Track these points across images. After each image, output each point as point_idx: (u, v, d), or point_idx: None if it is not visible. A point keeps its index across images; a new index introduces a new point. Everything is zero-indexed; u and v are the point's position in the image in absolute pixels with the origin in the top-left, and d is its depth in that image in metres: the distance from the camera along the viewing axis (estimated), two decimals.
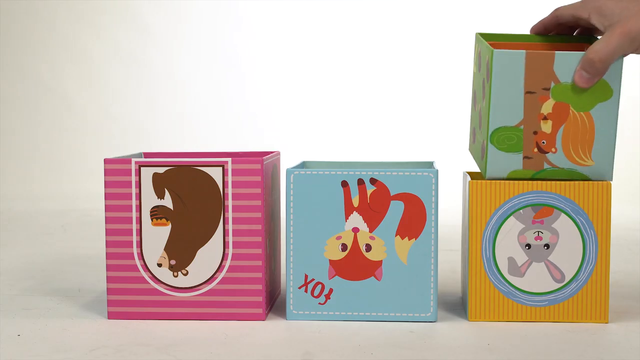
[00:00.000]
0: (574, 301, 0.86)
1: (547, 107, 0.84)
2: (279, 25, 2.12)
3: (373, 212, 0.85)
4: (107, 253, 0.87)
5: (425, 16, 2.06)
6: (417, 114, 2.03)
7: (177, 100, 2.12)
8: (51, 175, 2.04)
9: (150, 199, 0.86)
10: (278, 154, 0.95)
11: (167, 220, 0.86)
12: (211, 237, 0.86)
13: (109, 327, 0.85)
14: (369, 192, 0.85)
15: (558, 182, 0.85)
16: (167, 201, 0.86)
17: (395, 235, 0.85)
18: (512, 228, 0.85)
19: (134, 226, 0.86)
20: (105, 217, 0.86)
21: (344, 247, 0.86)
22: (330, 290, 0.86)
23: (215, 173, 0.85)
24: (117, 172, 0.86)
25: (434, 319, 0.86)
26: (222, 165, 0.85)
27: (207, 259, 0.86)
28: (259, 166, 0.85)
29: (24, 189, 1.97)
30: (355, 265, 0.86)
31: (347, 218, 0.85)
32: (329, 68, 2.09)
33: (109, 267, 0.87)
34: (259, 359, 0.75)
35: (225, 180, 0.85)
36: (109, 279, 0.87)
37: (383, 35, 2.07)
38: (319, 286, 0.86)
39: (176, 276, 0.87)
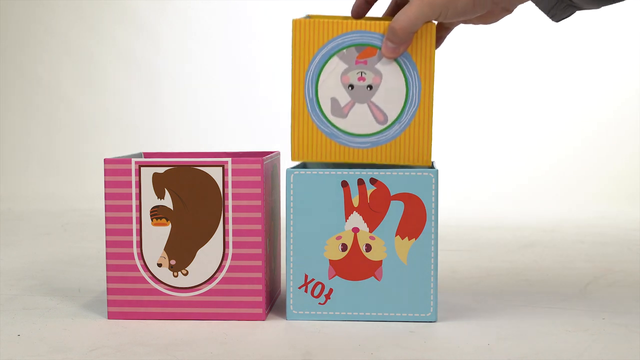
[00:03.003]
0: (397, 143, 0.85)
1: None
2: (279, 24, 2.12)
3: (373, 212, 0.85)
4: (107, 253, 0.87)
5: None
6: None
7: (177, 100, 2.12)
8: (51, 175, 2.04)
9: (150, 199, 0.86)
10: (278, 154, 0.95)
11: (167, 220, 0.86)
12: (211, 237, 0.86)
13: (109, 327, 0.85)
14: (369, 192, 0.85)
15: (382, 22, 0.84)
16: (167, 201, 0.86)
17: (395, 235, 0.85)
18: (335, 68, 0.85)
19: (134, 226, 0.86)
20: (105, 217, 0.86)
21: (344, 247, 0.86)
22: (330, 290, 0.86)
23: (215, 173, 0.85)
24: (117, 172, 0.86)
25: (434, 319, 0.86)
26: (222, 165, 0.85)
27: (207, 259, 0.86)
28: (259, 166, 0.85)
29: (24, 189, 1.97)
30: (355, 265, 0.86)
31: (347, 218, 0.85)
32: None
33: (109, 267, 0.87)
34: (259, 359, 0.75)
35: (225, 180, 0.85)
36: (109, 279, 0.87)
37: None
38: (319, 286, 0.86)
39: (176, 276, 0.87)
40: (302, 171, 0.85)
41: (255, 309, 0.86)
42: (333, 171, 0.85)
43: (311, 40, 0.85)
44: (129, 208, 0.86)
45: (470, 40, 1.99)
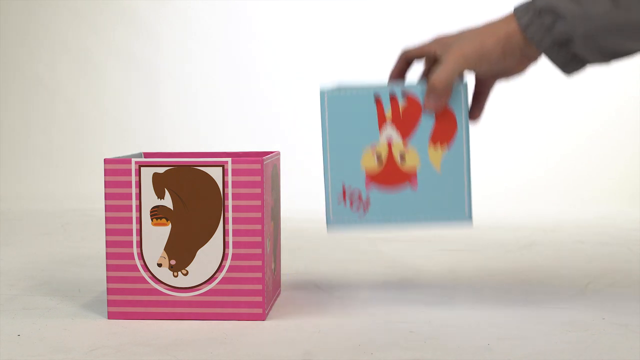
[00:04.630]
0: None
1: None
2: (279, 24, 2.12)
3: (406, 123, 0.88)
4: (107, 253, 0.87)
5: (423, 15, 2.06)
6: None
7: (177, 100, 2.12)
8: (51, 175, 2.04)
9: (150, 199, 0.86)
10: (278, 154, 0.95)
11: (167, 220, 0.86)
12: (211, 237, 0.86)
13: (109, 327, 0.85)
14: (401, 106, 0.88)
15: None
16: (167, 201, 0.86)
17: (429, 145, 0.88)
18: None
19: (134, 226, 0.86)
20: (105, 217, 0.86)
21: (379, 157, 0.88)
22: (368, 200, 0.89)
23: (215, 173, 0.86)
24: (117, 172, 0.86)
25: (470, 219, 0.89)
26: (222, 165, 0.85)
27: (207, 258, 0.86)
28: (259, 166, 0.85)
29: (24, 189, 1.97)
30: (391, 175, 0.89)
31: (380, 130, 0.88)
32: (330, 68, 2.09)
33: (109, 267, 0.87)
34: (259, 359, 0.75)
35: (225, 180, 0.85)
36: (109, 279, 0.87)
37: (381, 34, 2.07)
38: (357, 196, 0.89)
39: (176, 276, 0.87)
40: (336, 91, 0.88)
41: (255, 309, 0.86)
42: (365, 88, 0.88)
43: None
44: (129, 208, 0.86)
45: None
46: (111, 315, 0.87)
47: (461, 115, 0.89)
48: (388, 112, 0.88)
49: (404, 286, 1.03)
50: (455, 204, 0.89)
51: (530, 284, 1.04)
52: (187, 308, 0.87)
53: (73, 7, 2.15)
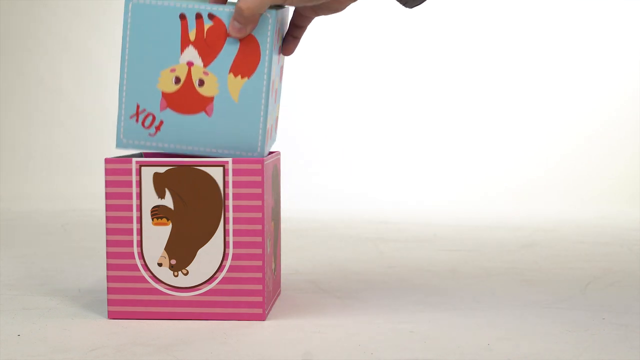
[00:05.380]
0: None
1: None
2: None
3: (208, 47, 0.86)
4: (107, 252, 0.87)
5: (422, 15, 2.06)
6: (419, 114, 2.03)
7: None
8: (51, 175, 2.04)
9: (150, 199, 0.86)
10: (278, 154, 0.95)
11: (167, 219, 0.86)
12: (212, 237, 0.86)
13: (109, 327, 0.85)
14: (206, 27, 0.85)
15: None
16: (168, 201, 0.86)
17: (229, 73, 0.86)
18: None
19: (135, 226, 0.86)
20: (106, 216, 0.86)
21: (177, 80, 0.86)
22: (161, 122, 0.87)
23: (216, 173, 0.86)
24: (117, 171, 0.86)
25: (262, 155, 0.86)
26: (223, 165, 0.85)
27: (207, 258, 0.86)
28: (259, 166, 0.85)
29: (24, 189, 1.97)
30: (187, 99, 0.86)
31: (182, 51, 0.86)
32: (331, 67, 2.09)
33: (109, 267, 0.87)
34: (259, 359, 0.75)
35: (226, 180, 0.85)
36: (109, 279, 0.87)
37: (381, 33, 2.07)
38: (150, 117, 0.87)
39: (176, 276, 0.87)
40: (142, 1, 0.85)
41: (256, 309, 0.86)
42: (172, 3, 0.85)
43: None
44: (129, 208, 0.86)
45: (469, 39, 1.99)
46: (111, 315, 0.87)
47: (266, 44, 0.85)
48: (192, 33, 0.85)
49: (404, 286, 1.04)
50: (248, 138, 0.86)
51: (530, 284, 1.05)
52: (187, 308, 0.87)
53: (74, 7, 2.15)
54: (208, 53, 0.86)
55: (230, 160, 0.85)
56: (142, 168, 0.86)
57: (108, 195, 0.86)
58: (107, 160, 0.86)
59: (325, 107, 2.08)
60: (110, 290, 0.87)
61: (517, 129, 1.97)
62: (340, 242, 1.36)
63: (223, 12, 0.85)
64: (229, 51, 0.86)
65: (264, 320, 0.87)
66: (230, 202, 0.86)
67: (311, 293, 1.00)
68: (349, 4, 0.88)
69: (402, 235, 1.43)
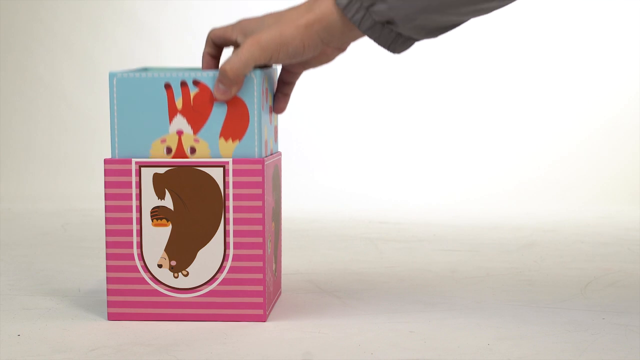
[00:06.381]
0: None
1: None
2: None
3: (197, 114, 0.86)
4: (107, 254, 0.87)
5: None
6: (419, 114, 2.03)
7: None
8: (51, 175, 2.03)
9: (150, 200, 0.86)
10: (279, 154, 0.95)
11: (167, 220, 0.86)
12: (212, 237, 0.86)
13: (109, 327, 0.85)
14: (192, 94, 0.86)
15: None
16: (168, 202, 0.86)
17: (219, 137, 0.86)
18: None
19: (134, 227, 0.86)
20: (106, 217, 0.86)
21: (168, 150, 0.86)
22: None
23: (216, 173, 0.85)
24: (117, 172, 0.86)
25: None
26: (223, 166, 0.85)
27: (207, 259, 0.86)
28: (259, 167, 0.85)
29: (24, 189, 1.97)
30: None
31: (171, 121, 0.86)
32: (331, 67, 2.08)
33: (109, 268, 0.87)
34: (259, 359, 0.75)
35: (226, 180, 0.85)
36: (109, 280, 0.87)
37: None
38: None
39: (177, 277, 0.87)
40: (125, 74, 0.85)
41: (256, 310, 0.86)
42: (156, 73, 0.85)
43: None
44: (129, 208, 0.86)
45: (469, 39, 1.99)
46: (111, 317, 0.87)
47: (254, 107, 0.85)
48: (179, 101, 0.85)
49: (404, 286, 1.04)
50: None
51: (530, 284, 1.05)
52: (187, 309, 0.87)
53: (74, 7, 2.15)
54: (197, 120, 0.86)
55: (230, 160, 0.85)
56: (142, 169, 0.86)
57: (107, 196, 0.86)
58: (106, 161, 0.86)
59: (325, 107, 2.08)
60: (110, 292, 0.87)
61: (516, 129, 1.97)
62: (340, 242, 1.36)
63: (207, 77, 0.85)
64: (218, 115, 0.86)
65: (264, 321, 0.87)
66: (230, 203, 0.85)
67: (311, 293, 1.00)
68: (337, 55, 0.88)
69: (402, 235, 1.43)
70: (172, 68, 0.92)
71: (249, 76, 0.85)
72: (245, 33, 0.86)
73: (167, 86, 0.86)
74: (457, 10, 0.82)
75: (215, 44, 0.89)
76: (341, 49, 0.87)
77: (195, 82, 0.86)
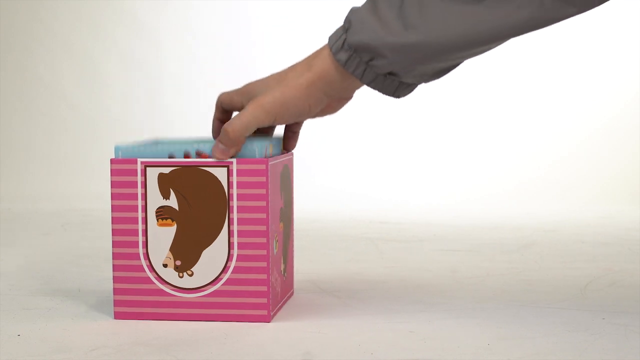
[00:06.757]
0: None
1: None
2: (280, 24, 2.12)
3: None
4: (113, 253, 0.87)
5: None
6: (419, 114, 2.03)
7: (180, 100, 2.12)
8: (51, 175, 2.04)
9: (155, 199, 0.86)
10: (291, 154, 0.95)
11: (172, 220, 0.86)
12: (216, 237, 0.86)
13: (109, 328, 0.85)
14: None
15: None
16: (173, 201, 0.86)
17: None
18: None
19: (140, 226, 0.86)
20: (112, 217, 0.87)
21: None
22: None
23: (220, 173, 0.86)
24: (123, 172, 0.86)
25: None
26: (227, 166, 0.85)
27: (212, 259, 0.86)
28: (264, 167, 0.85)
29: (24, 189, 1.97)
30: None
31: None
32: None
33: (115, 267, 0.87)
34: (259, 359, 0.75)
35: (230, 180, 0.86)
36: (116, 279, 0.87)
37: None
38: None
39: (182, 277, 0.87)
40: (130, 148, 0.86)
41: (260, 311, 0.86)
42: (161, 147, 0.86)
43: None
44: (134, 208, 0.86)
45: None
46: (117, 316, 0.87)
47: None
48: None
49: (404, 286, 1.04)
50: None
51: (530, 284, 1.05)
52: (192, 309, 0.87)
53: (74, 7, 2.15)
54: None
55: (234, 160, 0.85)
56: (147, 169, 0.86)
57: (114, 196, 0.86)
58: (112, 161, 0.86)
59: None
60: (116, 291, 0.87)
61: (517, 129, 1.98)
62: (340, 242, 1.36)
63: (210, 148, 0.86)
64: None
65: (269, 322, 0.86)
66: (234, 203, 0.86)
67: (311, 293, 1.00)
68: (344, 105, 0.89)
69: (402, 235, 1.43)
70: (180, 140, 0.92)
71: (250, 143, 0.86)
72: (250, 96, 0.87)
73: (171, 157, 0.86)
74: (452, 56, 0.84)
75: (224, 109, 0.91)
76: (347, 98, 0.89)
77: (198, 154, 0.86)
